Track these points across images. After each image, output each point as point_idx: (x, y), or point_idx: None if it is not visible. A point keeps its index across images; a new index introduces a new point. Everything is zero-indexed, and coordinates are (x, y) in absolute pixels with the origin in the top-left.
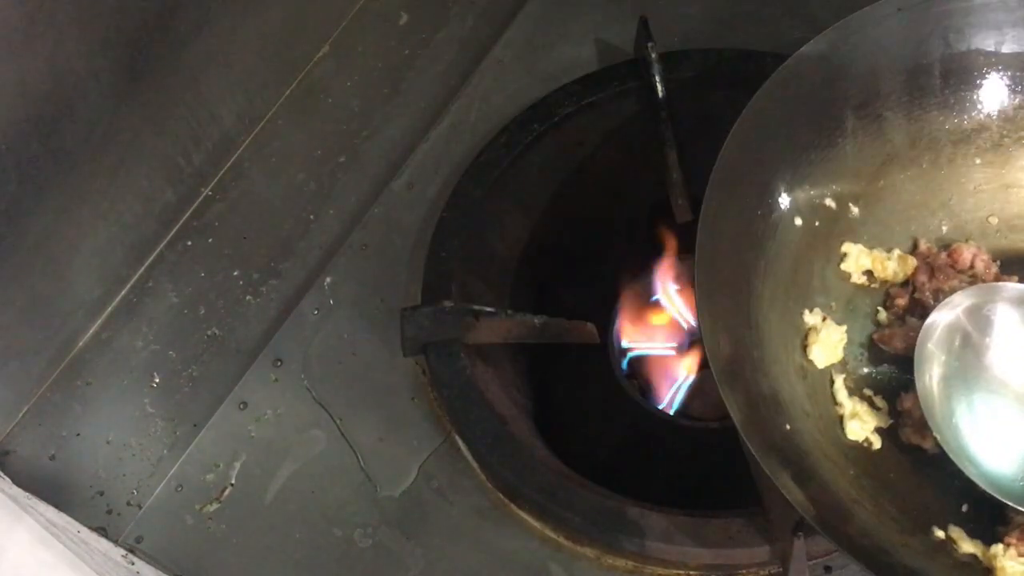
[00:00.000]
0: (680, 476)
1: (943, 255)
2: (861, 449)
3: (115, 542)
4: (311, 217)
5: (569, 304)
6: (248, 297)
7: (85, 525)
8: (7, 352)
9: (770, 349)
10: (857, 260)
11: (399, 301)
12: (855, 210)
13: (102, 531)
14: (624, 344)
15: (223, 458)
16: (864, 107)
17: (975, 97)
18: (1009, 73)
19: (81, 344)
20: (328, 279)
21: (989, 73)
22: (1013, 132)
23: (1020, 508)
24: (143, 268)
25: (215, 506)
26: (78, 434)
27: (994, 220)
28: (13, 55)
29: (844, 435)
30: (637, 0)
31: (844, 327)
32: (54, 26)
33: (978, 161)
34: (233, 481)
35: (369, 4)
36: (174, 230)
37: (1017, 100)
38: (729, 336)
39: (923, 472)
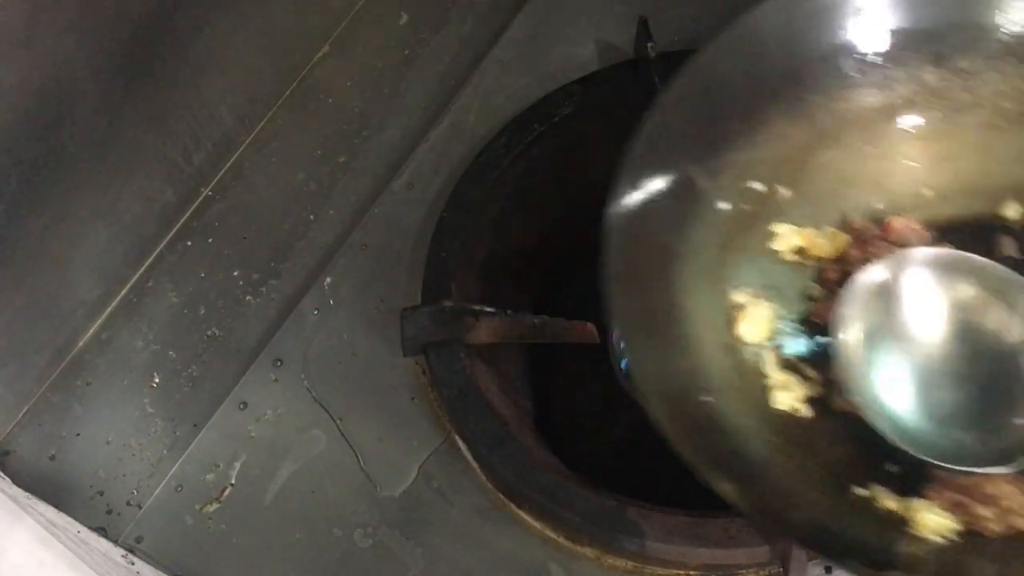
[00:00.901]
0: (680, 476)
1: (874, 228)
2: (789, 417)
3: (115, 542)
4: (311, 217)
5: (569, 304)
6: (248, 297)
7: (85, 525)
8: (7, 352)
9: (694, 328)
10: (788, 239)
11: (399, 301)
12: (784, 192)
13: (102, 531)
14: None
15: (223, 458)
16: (785, 91)
17: (898, 73)
18: (929, 47)
19: (81, 344)
20: (328, 279)
21: (910, 48)
22: (942, 104)
23: (941, 464)
24: (143, 268)
25: (215, 506)
26: (78, 434)
27: (928, 192)
28: (13, 55)
29: (771, 405)
30: (637, 0)
31: (775, 304)
32: (54, 26)
33: (908, 135)
34: (233, 481)
35: (369, 4)
36: (174, 230)
37: (940, 72)
38: (643, 318)
39: (853, 437)
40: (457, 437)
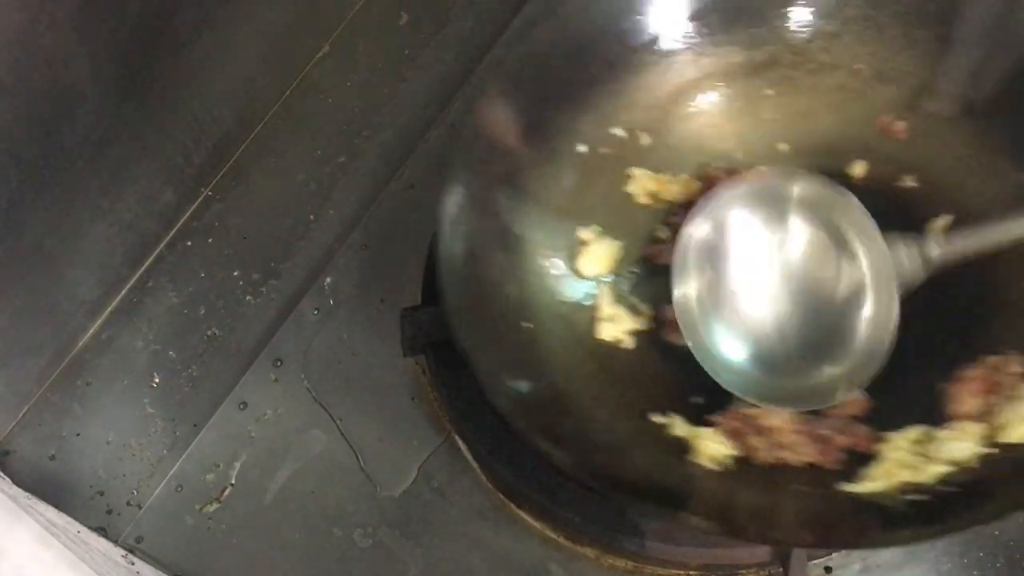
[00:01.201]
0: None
1: (726, 178)
2: (610, 348)
3: (115, 542)
4: (311, 217)
5: None
6: (248, 297)
7: (85, 525)
8: (7, 352)
9: (532, 258)
10: (642, 183)
11: (399, 301)
12: (646, 139)
13: (102, 531)
14: None
15: (223, 458)
16: (652, 44)
17: (764, 32)
18: (795, 9)
19: (81, 344)
20: (328, 279)
21: (776, 9)
22: (802, 64)
23: (757, 403)
24: (143, 268)
25: (215, 506)
26: (78, 434)
27: (784, 147)
28: (13, 55)
29: (595, 336)
30: None
31: (620, 242)
32: (54, 26)
33: (770, 92)
34: (233, 481)
35: (369, 4)
36: (174, 230)
37: (803, 33)
38: (472, 242)
39: (667, 371)
40: (457, 437)
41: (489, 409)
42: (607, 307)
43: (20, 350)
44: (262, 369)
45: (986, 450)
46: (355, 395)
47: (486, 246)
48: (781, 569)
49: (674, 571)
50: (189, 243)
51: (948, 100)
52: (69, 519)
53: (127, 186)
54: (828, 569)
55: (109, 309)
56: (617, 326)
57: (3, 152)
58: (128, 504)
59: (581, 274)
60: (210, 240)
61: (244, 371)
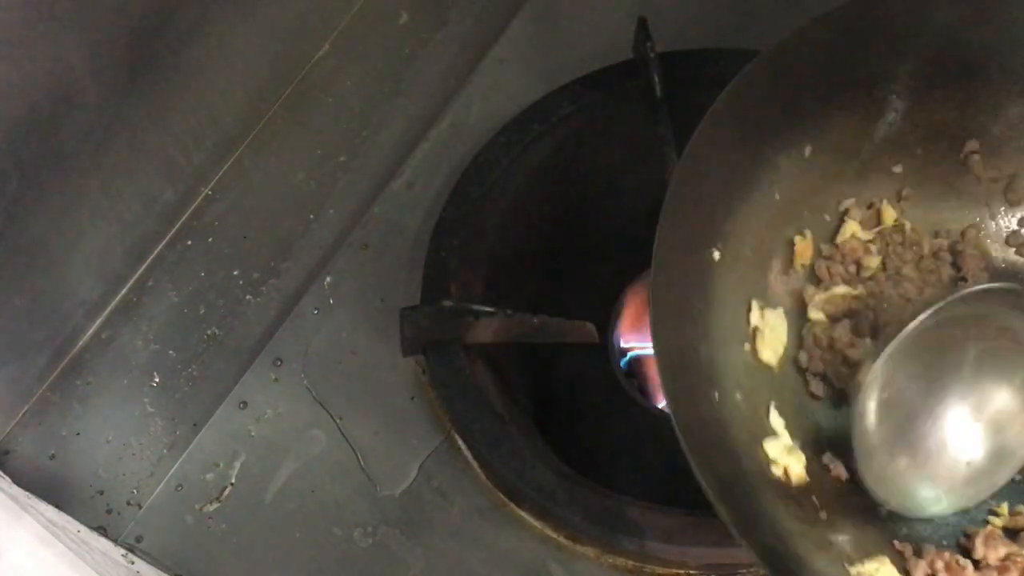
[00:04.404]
0: (680, 475)
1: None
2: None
3: (115, 542)
4: (311, 217)
5: (569, 304)
6: (248, 297)
7: (85, 525)
8: (7, 352)
9: (720, 322)
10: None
11: (399, 301)
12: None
13: (102, 531)
14: (624, 344)
15: (223, 458)
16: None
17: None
18: None
19: (81, 344)
20: (328, 279)
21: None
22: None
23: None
24: (143, 268)
25: (215, 506)
26: (78, 434)
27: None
28: (13, 55)
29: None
30: (637, 0)
31: (781, 308)
32: (54, 26)
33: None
34: (233, 481)
35: (369, 4)
36: (174, 230)
37: None
38: (677, 293)
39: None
40: (457, 436)
41: (489, 409)
42: (775, 422)
43: (20, 350)
44: (262, 369)
45: None
46: (355, 395)
47: (689, 296)
48: None
49: (674, 570)
50: (189, 243)
51: None
52: (69, 518)
53: (127, 186)
54: None
55: (109, 309)
56: (783, 453)
57: (3, 152)
58: (128, 503)
59: (762, 359)
60: (210, 240)
61: (244, 371)
